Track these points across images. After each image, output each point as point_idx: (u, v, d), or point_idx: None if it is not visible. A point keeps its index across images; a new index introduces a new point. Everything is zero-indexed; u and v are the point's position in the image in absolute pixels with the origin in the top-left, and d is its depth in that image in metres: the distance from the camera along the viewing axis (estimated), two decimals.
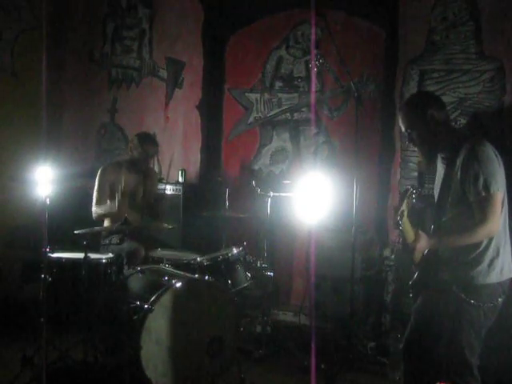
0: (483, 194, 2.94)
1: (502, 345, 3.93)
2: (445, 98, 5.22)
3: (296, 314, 5.65)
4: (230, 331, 4.14)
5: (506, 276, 3.08)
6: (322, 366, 4.46)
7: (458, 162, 3.03)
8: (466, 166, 2.99)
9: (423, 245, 3.06)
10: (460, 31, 5.23)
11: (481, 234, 2.98)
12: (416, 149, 3.31)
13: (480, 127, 5.07)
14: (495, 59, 5.09)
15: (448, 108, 5.16)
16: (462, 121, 5.16)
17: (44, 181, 3.90)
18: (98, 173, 5.32)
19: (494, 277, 3.02)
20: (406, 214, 3.05)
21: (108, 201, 5.22)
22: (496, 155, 3.03)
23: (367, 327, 5.31)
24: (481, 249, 3.02)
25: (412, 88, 5.42)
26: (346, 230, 5.09)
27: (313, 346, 4.55)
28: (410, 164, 5.46)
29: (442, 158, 3.23)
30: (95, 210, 5.23)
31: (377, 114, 5.69)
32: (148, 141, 5.38)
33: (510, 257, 3.13)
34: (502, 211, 3.02)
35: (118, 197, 5.22)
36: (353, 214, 4.80)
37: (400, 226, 3.03)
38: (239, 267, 4.73)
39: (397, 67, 5.54)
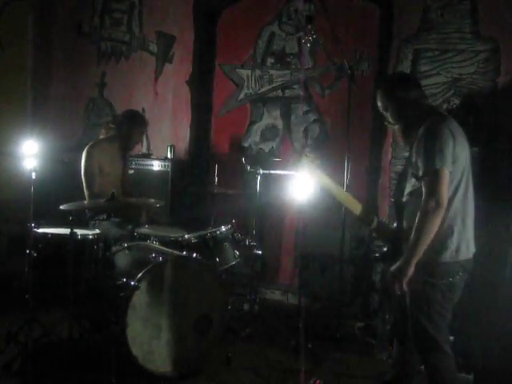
0: (428, 170, 2.97)
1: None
2: (438, 78, 5.21)
3: (284, 293, 5.65)
4: (218, 309, 4.12)
5: (462, 257, 3.08)
6: (309, 346, 4.47)
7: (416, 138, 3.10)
8: (418, 142, 3.05)
9: None
10: (456, 10, 5.17)
11: (429, 211, 2.94)
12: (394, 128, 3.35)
13: (473, 108, 5.04)
14: (491, 40, 5.04)
15: (441, 88, 5.16)
16: (456, 101, 5.13)
17: (30, 154, 3.85)
18: (84, 154, 5.12)
19: (448, 256, 3.04)
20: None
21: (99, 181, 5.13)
22: (452, 133, 3.01)
23: (355, 307, 5.32)
24: None
25: (406, 67, 5.38)
26: (335, 209, 5.05)
27: (300, 325, 4.56)
28: (402, 144, 5.43)
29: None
30: (89, 194, 5.10)
31: (369, 93, 5.63)
32: (140, 118, 5.32)
33: (470, 238, 3.14)
34: (450, 189, 3.01)
35: (104, 177, 5.13)
36: None
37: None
38: (227, 245, 4.69)
39: (391, 45, 5.49)
